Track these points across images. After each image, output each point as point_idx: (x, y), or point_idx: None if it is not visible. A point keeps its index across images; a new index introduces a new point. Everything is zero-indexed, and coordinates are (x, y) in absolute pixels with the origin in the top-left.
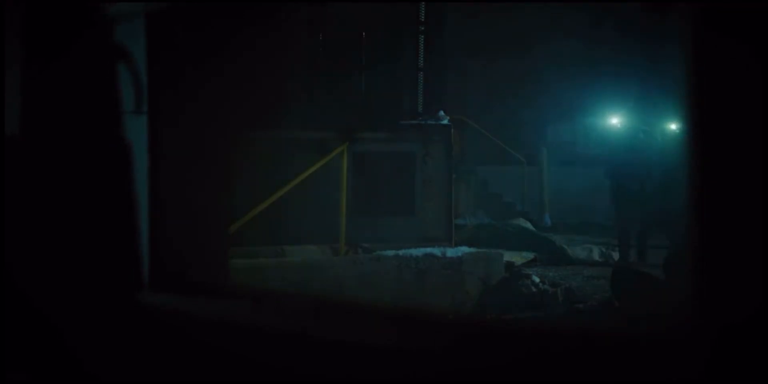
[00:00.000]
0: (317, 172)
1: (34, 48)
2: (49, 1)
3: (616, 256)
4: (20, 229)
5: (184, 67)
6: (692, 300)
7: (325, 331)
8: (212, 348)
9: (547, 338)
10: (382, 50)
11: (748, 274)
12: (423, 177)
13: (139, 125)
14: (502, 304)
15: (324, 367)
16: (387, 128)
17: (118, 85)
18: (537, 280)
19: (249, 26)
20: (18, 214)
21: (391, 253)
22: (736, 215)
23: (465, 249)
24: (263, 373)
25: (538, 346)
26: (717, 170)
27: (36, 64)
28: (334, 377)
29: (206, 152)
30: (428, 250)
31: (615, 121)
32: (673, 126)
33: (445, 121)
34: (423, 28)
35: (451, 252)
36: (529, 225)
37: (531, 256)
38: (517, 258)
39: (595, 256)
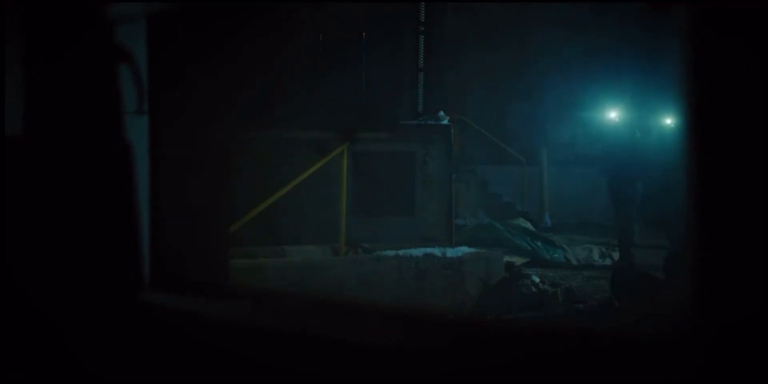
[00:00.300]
0: (317, 172)
1: (35, 48)
2: (50, 1)
3: (616, 256)
4: (20, 228)
5: (184, 68)
6: (692, 300)
7: (325, 331)
8: (212, 348)
9: (547, 338)
10: (382, 50)
11: (748, 274)
12: (423, 177)
13: (140, 125)
14: (502, 304)
15: (324, 367)
16: (387, 128)
17: (120, 86)
18: (537, 280)
19: (249, 27)
20: (18, 213)
21: (391, 253)
22: (736, 215)
23: (465, 249)
24: (263, 373)
25: (538, 346)
26: (717, 170)
27: (37, 64)
28: (334, 377)
29: (207, 152)
30: (428, 250)
31: (612, 115)
32: (669, 120)
33: (445, 121)
34: (423, 28)
35: (451, 252)
36: (529, 225)
37: (531, 255)
38: (517, 258)
39: (595, 256)
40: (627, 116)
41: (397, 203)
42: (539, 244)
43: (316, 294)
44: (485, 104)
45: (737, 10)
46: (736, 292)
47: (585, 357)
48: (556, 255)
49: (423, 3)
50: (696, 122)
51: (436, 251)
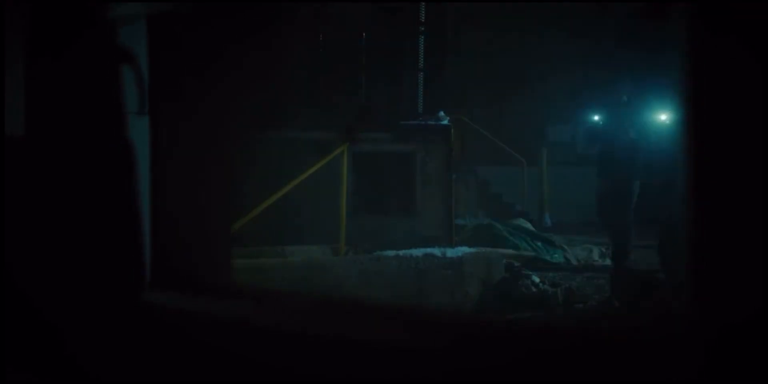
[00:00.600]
0: (318, 172)
1: (36, 48)
2: (51, 1)
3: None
4: (22, 228)
5: (185, 68)
6: (692, 300)
7: (325, 330)
8: (214, 347)
9: (547, 338)
10: (382, 50)
11: (747, 274)
12: (423, 177)
13: (141, 126)
14: (502, 304)
15: (324, 367)
16: (387, 128)
17: (121, 86)
18: (537, 280)
19: (249, 27)
20: (19, 213)
21: (391, 253)
22: (736, 215)
23: (465, 249)
24: (264, 372)
25: (538, 346)
26: (716, 170)
27: (38, 64)
28: (334, 377)
29: (208, 152)
30: (428, 250)
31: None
32: (663, 117)
33: (445, 121)
34: (423, 29)
35: (451, 252)
36: (529, 225)
37: (531, 255)
38: (517, 258)
39: (595, 256)
40: (623, 116)
41: (397, 203)
42: (539, 244)
43: (317, 294)
44: (485, 104)
45: (735, 11)
46: (736, 292)
47: (585, 357)
48: (556, 255)
49: (423, 3)
50: (695, 122)
51: (436, 251)
